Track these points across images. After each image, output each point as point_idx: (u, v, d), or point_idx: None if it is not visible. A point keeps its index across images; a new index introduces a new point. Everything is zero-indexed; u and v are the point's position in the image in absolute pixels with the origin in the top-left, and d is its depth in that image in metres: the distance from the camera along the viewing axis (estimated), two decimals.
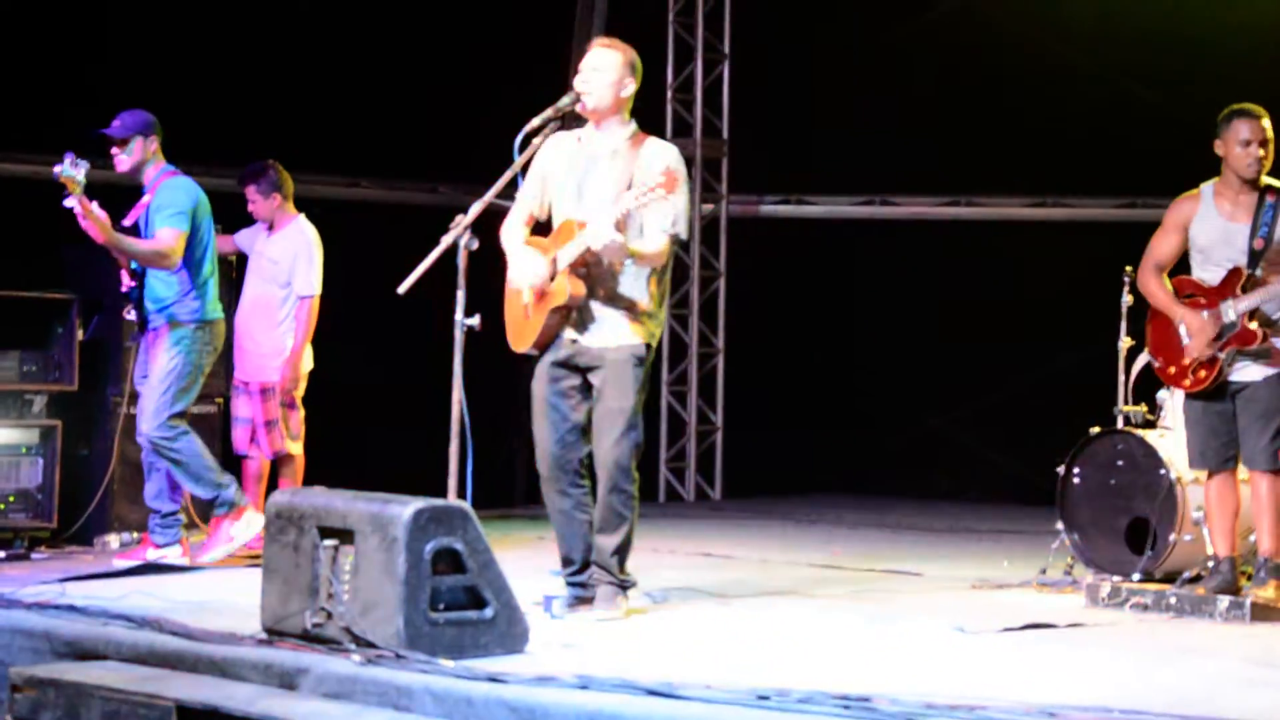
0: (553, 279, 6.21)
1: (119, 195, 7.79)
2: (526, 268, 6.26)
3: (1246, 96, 6.77)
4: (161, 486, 7.75)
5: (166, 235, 7.53)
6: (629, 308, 6.26)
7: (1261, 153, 6.63)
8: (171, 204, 7.57)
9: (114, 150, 7.67)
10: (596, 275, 6.22)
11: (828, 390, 12.25)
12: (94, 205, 7.36)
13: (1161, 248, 6.89)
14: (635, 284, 6.28)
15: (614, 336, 6.27)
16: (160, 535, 7.71)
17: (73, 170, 7.23)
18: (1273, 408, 6.65)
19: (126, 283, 7.77)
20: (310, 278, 8.28)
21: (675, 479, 12.48)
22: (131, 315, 7.81)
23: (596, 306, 6.26)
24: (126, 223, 7.65)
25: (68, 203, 7.30)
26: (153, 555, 7.66)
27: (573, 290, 6.18)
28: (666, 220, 6.20)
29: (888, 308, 12.12)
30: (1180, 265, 6.93)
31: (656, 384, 12.30)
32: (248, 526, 7.57)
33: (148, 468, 7.79)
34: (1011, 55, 11.36)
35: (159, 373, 7.59)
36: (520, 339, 6.38)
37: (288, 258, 8.28)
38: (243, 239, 8.54)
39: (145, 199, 7.68)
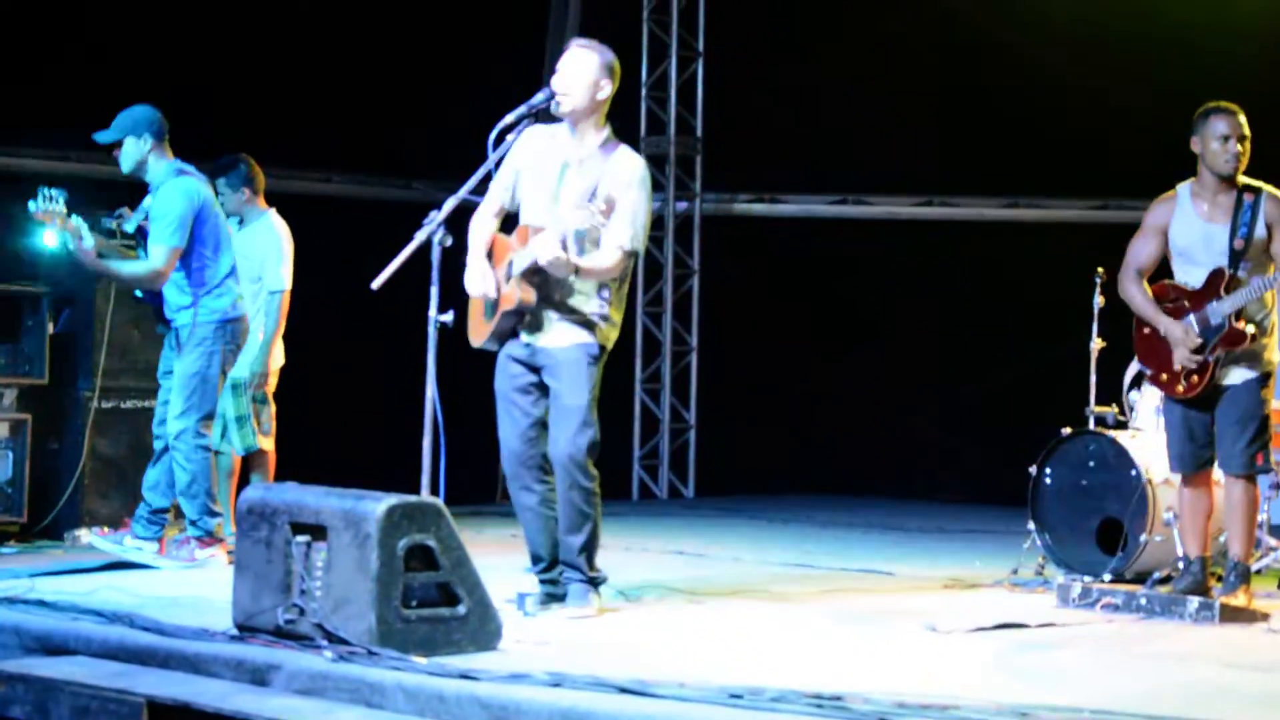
0: (508, 280, 6.24)
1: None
2: (476, 280, 6.30)
3: (1223, 97, 6.77)
4: (160, 479, 7.60)
5: (157, 255, 7.37)
6: (583, 314, 6.29)
7: (1239, 149, 6.62)
8: (165, 214, 7.39)
9: (114, 152, 7.55)
10: (551, 281, 6.24)
11: (801, 389, 12.27)
12: (78, 227, 7.22)
13: (1141, 252, 6.85)
14: (590, 291, 6.30)
15: (566, 337, 6.29)
16: (144, 528, 7.58)
17: (49, 205, 7.14)
18: (1251, 412, 6.66)
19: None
20: (280, 273, 8.25)
21: (649, 477, 12.49)
22: (151, 309, 7.69)
23: (550, 311, 6.28)
24: (130, 227, 7.55)
25: (49, 240, 7.23)
26: (129, 544, 7.56)
27: (522, 296, 6.22)
28: (623, 235, 6.22)
29: (860, 307, 12.14)
30: (1160, 270, 6.92)
31: (630, 382, 12.30)
32: (212, 558, 7.49)
33: (156, 455, 7.61)
34: (985, 56, 11.40)
35: (182, 376, 7.49)
36: (476, 335, 6.46)
37: (257, 253, 8.24)
38: None
39: (150, 201, 7.55)
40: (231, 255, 7.69)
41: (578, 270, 6.14)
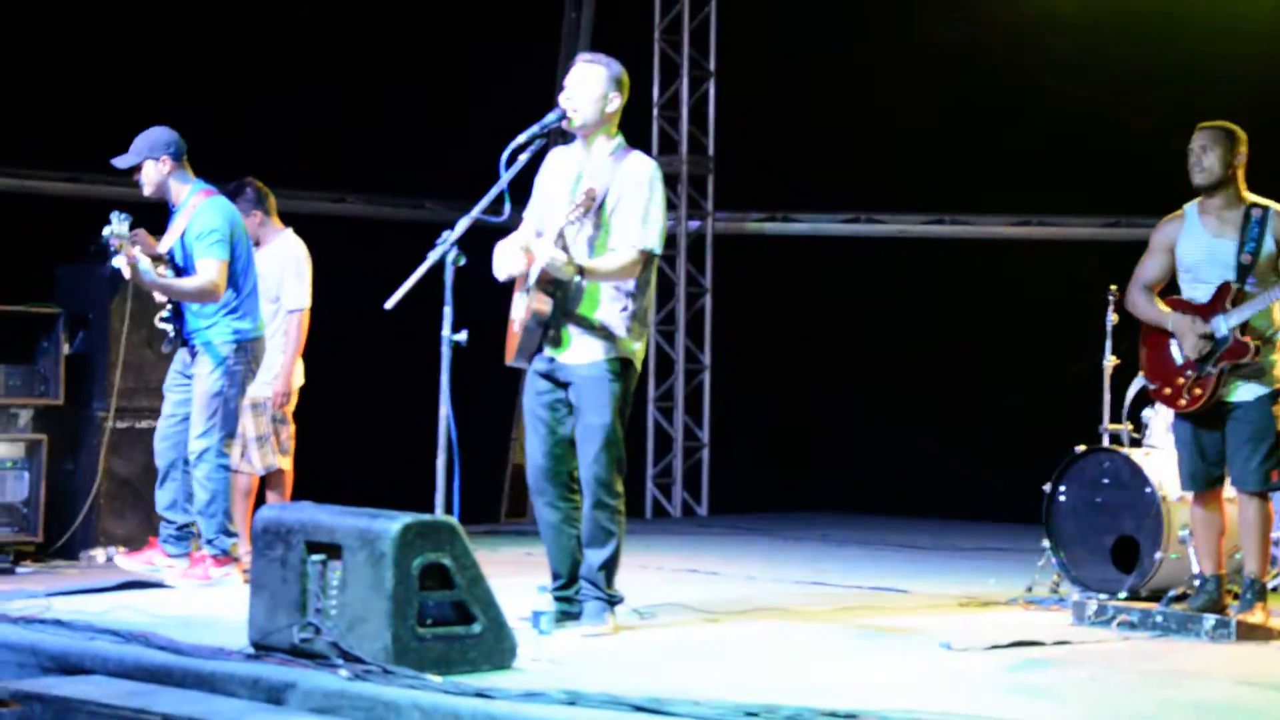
0: (526, 294, 6.27)
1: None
2: (505, 258, 6.32)
3: (1228, 118, 6.79)
4: (176, 497, 7.61)
5: (209, 269, 7.37)
6: (602, 325, 6.29)
7: (1205, 162, 6.67)
8: (209, 231, 7.40)
9: (135, 176, 7.56)
10: (569, 293, 6.25)
11: (814, 407, 12.26)
12: (137, 250, 7.21)
13: (1148, 269, 6.91)
14: (608, 301, 6.30)
15: (588, 353, 6.29)
16: (174, 546, 7.59)
17: (119, 228, 7.11)
18: (1262, 429, 6.66)
19: (161, 300, 7.60)
20: (299, 291, 8.27)
21: (662, 495, 12.49)
22: (169, 329, 7.62)
23: (570, 324, 6.29)
24: (161, 249, 7.47)
25: (116, 262, 7.19)
26: (160, 562, 7.56)
27: (536, 306, 6.23)
28: (633, 235, 6.22)
29: (872, 325, 12.14)
30: (1170, 289, 6.93)
31: (643, 400, 12.31)
32: (226, 577, 7.51)
33: (162, 476, 7.66)
34: (997, 76, 11.40)
35: (203, 396, 7.50)
36: (508, 351, 6.46)
37: (275, 272, 8.26)
38: None
39: (178, 222, 7.53)
40: (254, 276, 7.71)
41: (582, 271, 6.14)
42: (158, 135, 7.51)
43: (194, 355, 7.57)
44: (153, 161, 7.48)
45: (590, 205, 6.12)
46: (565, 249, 6.12)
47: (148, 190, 7.54)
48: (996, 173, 11.50)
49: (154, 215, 7.72)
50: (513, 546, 9.15)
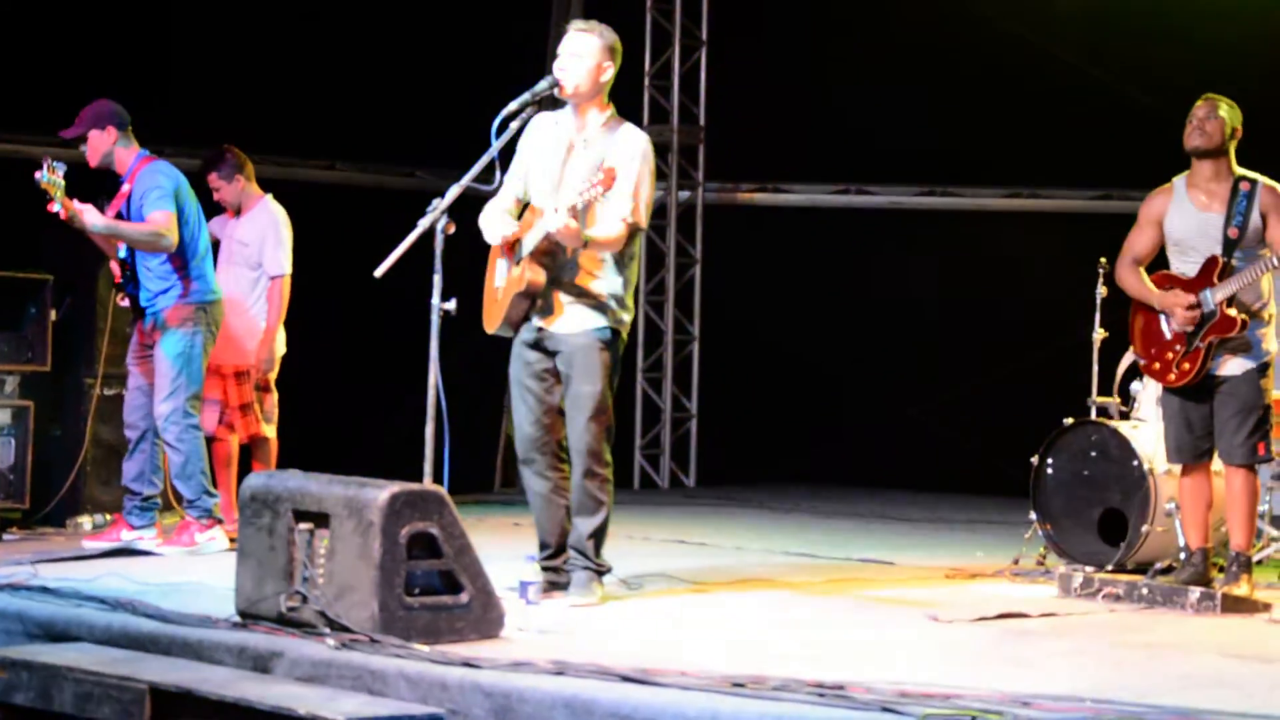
0: (518, 263, 6.24)
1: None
2: (494, 226, 6.30)
3: (1224, 90, 6.79)
4: (144, 468, 7.69)
5: (159, 217, 7.50)
6: (593, 295, 6.28)
7: (1207, 127, 6.66)
8: (154, 187, 7.54)
9: (80, 147, 7.66)
10: (559, 263, 6.24)
11: (803, 378, 12.26)
12: (75, 203, 7.33)
13: (1137, 243, 6.92)
14: (598, 272, 6.29)
15: (578, 323, 6.29)
16: (137, 518, 7.67)
17: (51, 175, 7.23)
18: (1251, 403, 6.68)
19: (117, 273, 7.74)
20: (279, 257, 8.24)
21: (650, 466, 12.49)
22: (125, 303, 7.77)
23: (560, 294, 6.28)
24: (109, 215, 7.58)
25: (53, 208, 7.29)
26: (127, 536, 7.64)
27: (532, 277, 6.21)
28: (625, 208, 6.21)
29: (863, 296, 12.13)
30: (1159, 261, 6.94)
31: (631, 371, 12.31)
32: (211, 541, 7.55)
33: (132, 447, 7.73)
34: (988, 46, 11.37)
35: (165, 360, 7.57)
36: (489, 320, 6.45)
37: (256, 239, 8.24)
38: (214, 226, 8.49)
39: (124, 188, 7.64)
40: (207, 239, 7.77)
41: (586, 242, 6.14)
42: (101, 107, 7.64)
43: (153, 323, 7.60)
44: (98, 131, 7.60)
45: (610, 185, 6.07)
46: (576, 218, 6.08)
47: (93, 160, 7.66)
48: (988, 144, 11.47)
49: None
50: (502, 516, 9.15)
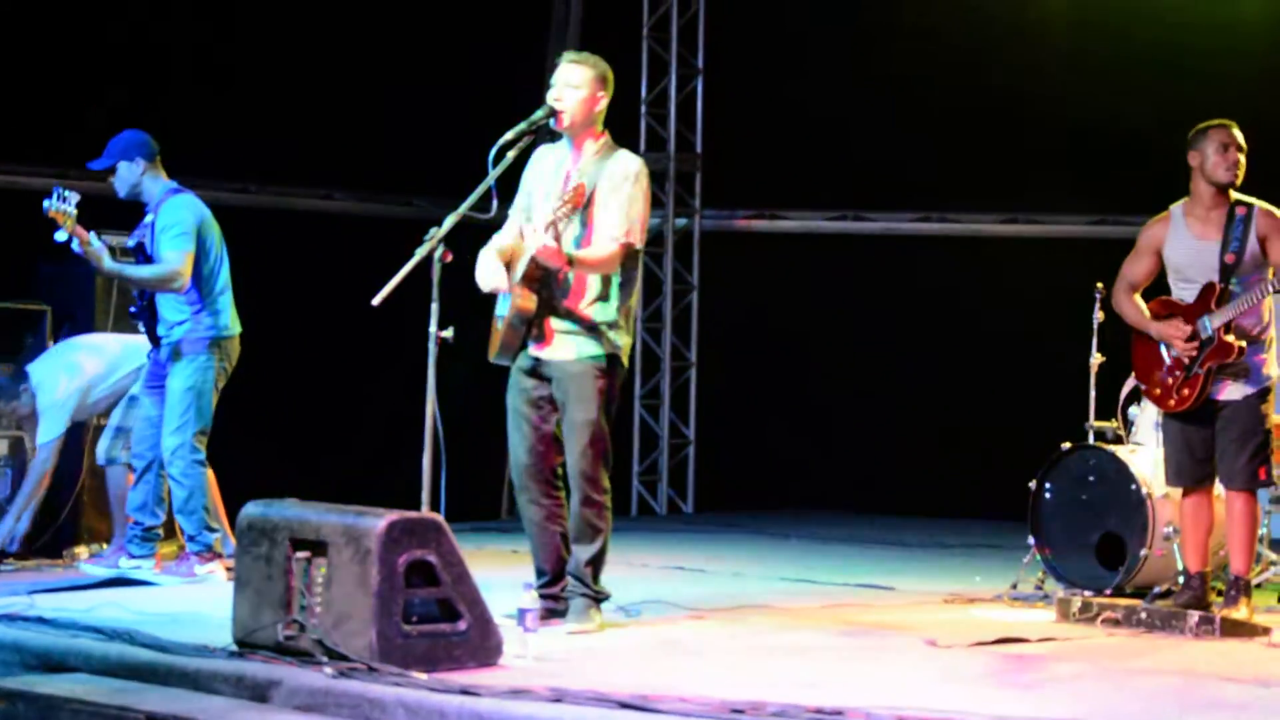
0: (510, 290, 6.26)
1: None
2: (486, 274, 6.30)
3: (1221, 115, 6.80)
4: (147, 499, 7.68)
5: (172, 258, 7.47)
6: (587, 320, 6.29)
7: (1239, 158, 6.68)
8: (175, 224, 7.51)
9: (109, 178, 7.66)
10: (552, 289, 6.25)
11: (800, 404, 12.26)
12: (91, 235, 7.34)
13: (1133, 270, 6.93)
14: (593, 297, 6.30)
15: (573, 350, 6.30)
16: (138, 547, 7.66)
17: (61, 204, 7.23)
18: (1250, 428, 6.68)
19: (135, 301, 7.74)
20: None
21: (648, 492, 12.48)
22: (141, 332, 7.76)
23: (554, 320, 6.29)
24: (131, 243, 7.62)
25: (59, 237, 7.29)
26: (125, 565, 7.63)
27: (522, 303, 6.23)
28: (616, 228, 6.22)
29: (860, 322, 12.14)
30: (1159, 286, 6.95)
31: (629, 398, 12.31)
32: (210, 574, 7.54)
33: (137, 477, 7.69)
34: (985, 73, 11.40)
35: (177, 393, 7.55)
36: (490, 348, 6.47)
37: None
38: None
39: (149, 218, 7.63)
40: (228, 273, 7.75)
41: (571, 261, 6.15)
42: (131, 137, 7.65)
43: (167, 354, 7.60)
44: (127, 163, 7.61)
45: (580, 201, 6.12)
46: (557, 240, 6.10)
47: (122, 191, 7.67)
48: (984, 170, 11.50)
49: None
50: (499, 543, 9.15)
